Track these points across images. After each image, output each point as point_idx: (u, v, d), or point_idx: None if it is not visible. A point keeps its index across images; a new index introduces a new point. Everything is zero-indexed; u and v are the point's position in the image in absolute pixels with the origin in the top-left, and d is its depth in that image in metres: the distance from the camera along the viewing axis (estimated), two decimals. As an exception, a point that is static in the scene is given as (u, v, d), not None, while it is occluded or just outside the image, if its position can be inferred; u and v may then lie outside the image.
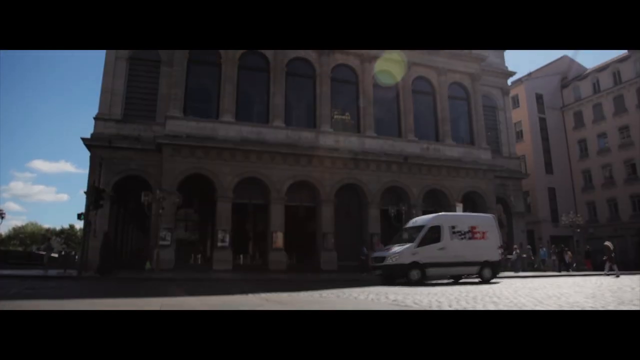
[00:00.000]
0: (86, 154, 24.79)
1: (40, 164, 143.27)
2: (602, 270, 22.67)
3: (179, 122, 24.23)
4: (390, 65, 28.15)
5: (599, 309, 6.78)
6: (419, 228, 17.30)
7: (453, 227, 17.17)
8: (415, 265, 15.92)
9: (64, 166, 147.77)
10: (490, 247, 17.40)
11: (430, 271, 16.16)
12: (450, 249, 16.67)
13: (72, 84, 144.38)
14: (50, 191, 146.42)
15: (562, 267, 27.97)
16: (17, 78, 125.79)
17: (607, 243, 22.01)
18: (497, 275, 17.76)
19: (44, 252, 25.67)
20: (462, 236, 17.19)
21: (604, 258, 22.25)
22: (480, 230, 17.55)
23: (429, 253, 16.25)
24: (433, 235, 16.82)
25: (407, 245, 16.50)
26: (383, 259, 16.34)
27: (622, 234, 40.26)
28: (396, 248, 16.64)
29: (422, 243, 16.43)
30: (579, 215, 35.04)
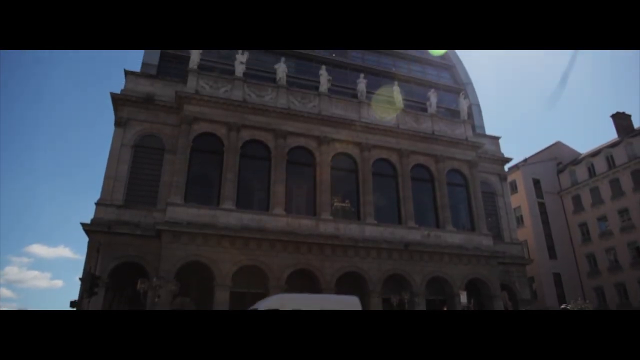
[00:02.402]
0: (85, 239, 24.61)
1: (38, 249, 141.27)
2: None
3: (180, 209, 24.31)
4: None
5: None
6: None
7: None
8: None
9: (62, 251, 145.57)
10: None
11: None
12: None
13: (76, 169, 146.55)
14: (44, 277, 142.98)
15: None
16: (20, 163, 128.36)
17: None
18: None
19: None
20: None
21: None
22: None
23: None
24: None
25: None
26: None
27: (634, 322, 38.75)
28: None
29: None
30: (587, 302, 33.98)
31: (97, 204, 25.14)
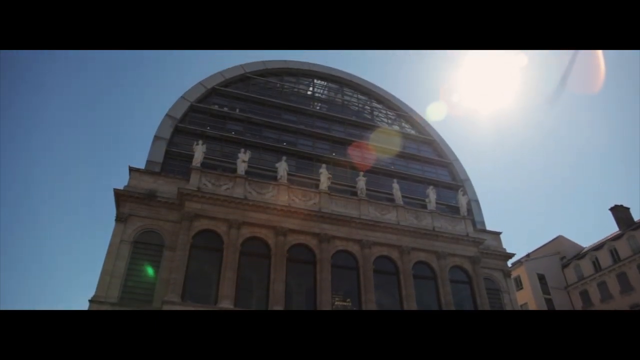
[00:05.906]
0: (74, 341, 23.51)
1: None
2: None
3: (176, 308, 23.52)
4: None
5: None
6: None
7: None
8: None
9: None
10: None
11: None
12: None
13: (72, 266, 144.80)
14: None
15: None
16: (17, 268, 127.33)
17: None
18: None
19: None
20: None
21: None
22: None
23: None
24: None
25: None
26: None
27: None
28: None
29: None
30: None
31: (91, 301, 24.39)
